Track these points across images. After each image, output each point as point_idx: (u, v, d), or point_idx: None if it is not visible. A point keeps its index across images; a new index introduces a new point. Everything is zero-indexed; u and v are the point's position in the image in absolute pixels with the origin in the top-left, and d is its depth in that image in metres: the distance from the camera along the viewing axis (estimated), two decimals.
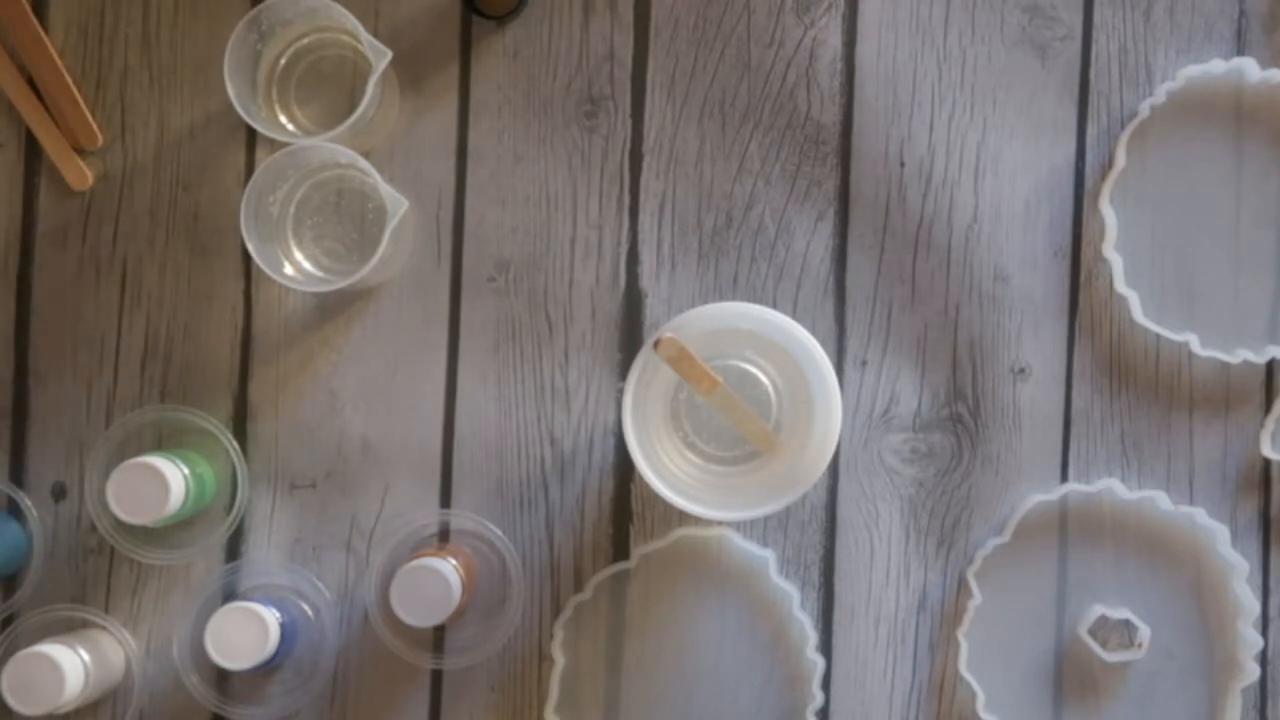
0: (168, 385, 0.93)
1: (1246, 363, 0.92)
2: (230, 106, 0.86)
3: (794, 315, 0.90)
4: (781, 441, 0.85)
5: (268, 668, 0.89)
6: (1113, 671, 0.92)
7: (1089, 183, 0.94)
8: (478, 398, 0.93)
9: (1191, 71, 0.92)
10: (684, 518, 0.92)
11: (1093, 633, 0.92)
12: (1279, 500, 0.93)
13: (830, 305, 0.93)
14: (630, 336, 0.94)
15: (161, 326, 0.94)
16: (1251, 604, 0.91)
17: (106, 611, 0.92)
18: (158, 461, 0.86)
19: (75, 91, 0.93)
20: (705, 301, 0.93)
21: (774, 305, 0.93)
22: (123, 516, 0.86)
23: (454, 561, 0.88)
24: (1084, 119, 0.94)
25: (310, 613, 0.92)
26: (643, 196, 0.94)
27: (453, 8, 0.94)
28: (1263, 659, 0.92)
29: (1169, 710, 0.92)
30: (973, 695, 0.91)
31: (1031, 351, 0.93)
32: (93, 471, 0.90)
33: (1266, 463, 0.93)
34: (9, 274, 0.94)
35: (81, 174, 0.94)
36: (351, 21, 0.86)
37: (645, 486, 0.86)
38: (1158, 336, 0.93)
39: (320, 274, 0.91)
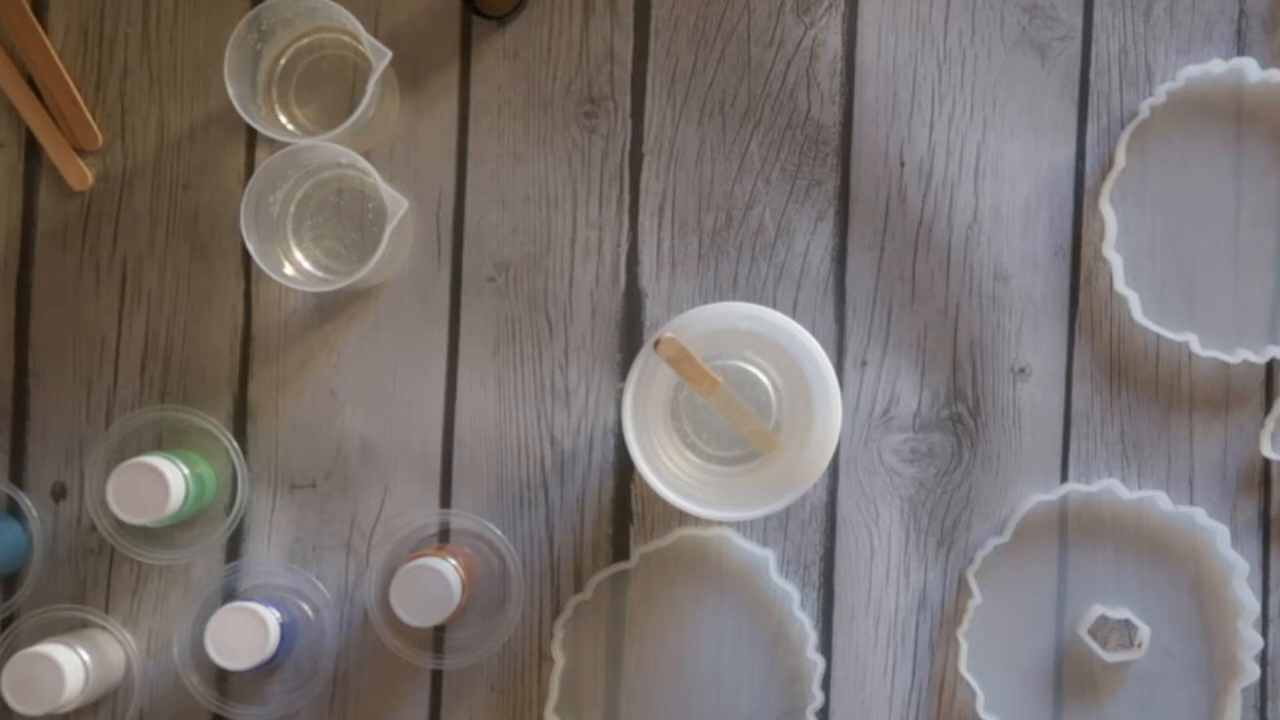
0: (168, 385, 0.93)
1: (1246, 363, 0.92)
2: (230, 106, 0.86)
3: (794, 315, 0.90)
4: (781, 441, 0.85)
5: (268, 668, 0.89)
6: (1113, 671, 0.92)
7: (1089, 183, 0.94)
8: (478, 398, 0.93)
9: (1191, 71, 0.92)
10: (684, 518, 0.92)
11: (1093, 633, 0.92)
12: (1279, 500, 0.93)
13: (830, 305, 0.93)
14: (630, 336, 0.94)
15: (161, 326, 0.94)
16: (1251, 604, 0.91)
17: (106, 611, 0.92)
18: (158, 461, 0.86)
19: (75, 91, 0.93)
20: (705, 301, 0.93)
21: (774, 305, 0.93)
22: (123, 516, 0.86)
23: (454, 561, 0.88)
24: (1084, 119, 0.94)
25: (310, 613, 0.92)
26: (643, 196, 0.94)
27: (453, 8, 0.94)
28: (1263, 659, 0.92)
29: (1169, 710, 0.92)
30: (973, 695, 0.91)
31: (1031, 351, 0.93)
32: (93, 471, 0.90)
33: (1266, 463, 0.93)
34: (9, 274, 0.94)
35: (81, 174, 0.94)
36: (351, 21, 0.86)
37: (645, 486, 0.86)
38: (1158, 336, 0.93)
39: (320, 274, 0.91)
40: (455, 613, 0.86)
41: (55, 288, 0.94)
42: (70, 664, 0.85)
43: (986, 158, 0.94)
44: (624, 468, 0.93)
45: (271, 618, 0.86)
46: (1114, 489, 0.92)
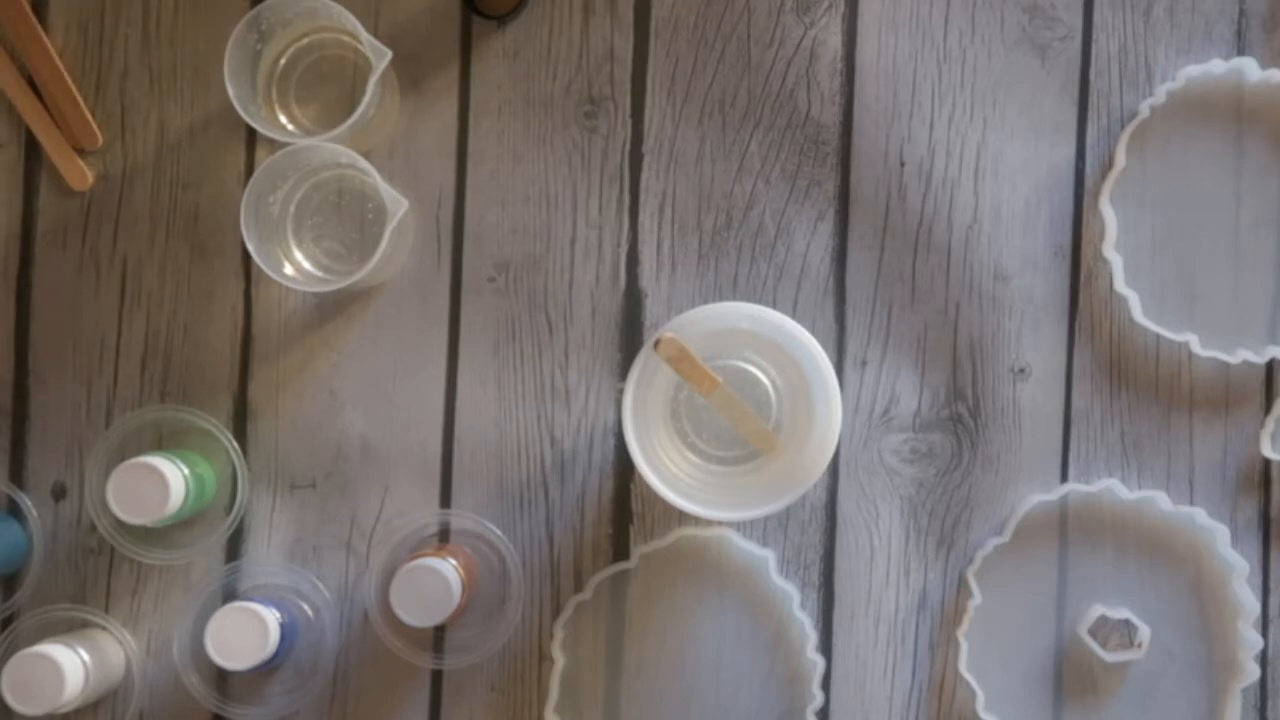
0: (168, 385, 0.93)
1: (1246, 363, 0.92)
2: (230, 106, 0.86)
3: (794, 315, 0.90)
4: (781, 441, 0.85)
5: (268, 668, 0.89)
6: (1113, 671, 0.92)
7: (1089, 183, 0.94)
8: (478, 398, 0.93)
9: (1191, 71, 0.92)
10: (684, 518, 0.92)
11: (1093, 633, 0.92)
12: (1279, 500, 0.93)
13: (830, 305, 0.93)
14: (630, 336, 0.94)
15: (161, 326, 0.94)
16: (1251, 604, 0.91)
17: (106, 611, 0.92)
18: (158, 461, 0.86)
19: (75, 91, 0.93)
20: (705, 301, 0.93)
21: (774, 305, 0.93)
22: (123, 516, 0.86)
23: (454, 561, 0.88)
24: (1084, 119, 0.94)
25: (310, 613, 0.92)
26: (643, 196, 0.94)
27: (453, 8, 0.94)
28: (1263, 659, 0.92)
29: (1169, 710, 0.92)
30: (973, 695, 0.91)
31: (1031, 351, 0.93)
32: (93, 471, 0.90)
33: (1266, 463, 0.93)
34: (9, 274, 0.94)
35: (81, 174, 0.94)
36: (351, 21, 0.86)
37: (645, 486, 0.86)
38: (1158, 336, 0.93)
39: (320, 274, 0.91)
40: (455, 613, 0.86)
41: (55, 288, 0.94)
42: (70, 664, 0.85)
43: (986, 158, 0.94)
44: (624, 468, 0.93)
45: (271, 618, 0.86)
46: (1114, 489, 0.92)
